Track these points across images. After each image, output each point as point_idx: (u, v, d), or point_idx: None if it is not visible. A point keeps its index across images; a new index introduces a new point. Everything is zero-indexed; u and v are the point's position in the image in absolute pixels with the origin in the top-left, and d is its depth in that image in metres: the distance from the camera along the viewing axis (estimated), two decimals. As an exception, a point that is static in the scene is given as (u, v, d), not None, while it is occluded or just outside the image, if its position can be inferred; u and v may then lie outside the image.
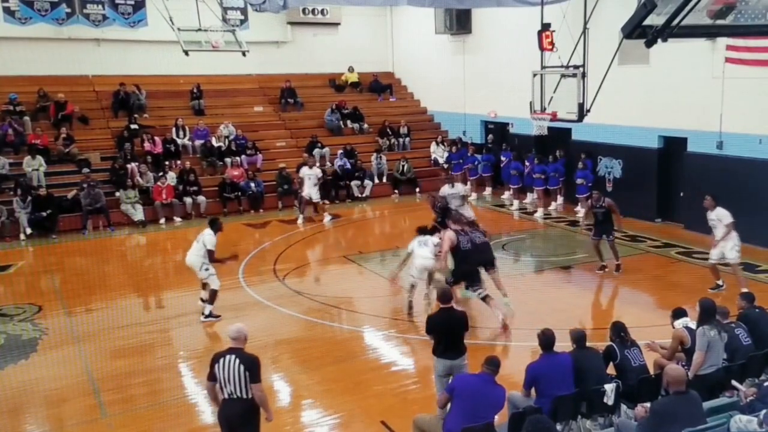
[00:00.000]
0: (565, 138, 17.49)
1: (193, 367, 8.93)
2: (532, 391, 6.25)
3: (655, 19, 6.31)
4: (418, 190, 20.05)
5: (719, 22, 6.74)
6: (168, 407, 7.79)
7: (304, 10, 22.38)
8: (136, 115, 19.53)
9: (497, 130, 21.01)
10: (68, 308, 11.16)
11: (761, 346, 6.94)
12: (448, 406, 6.02)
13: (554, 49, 12.19)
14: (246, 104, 22.02)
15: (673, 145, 15.35)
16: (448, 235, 10.02)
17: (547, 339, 6.32)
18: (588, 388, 6.20)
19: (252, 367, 5.71)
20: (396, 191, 20.13)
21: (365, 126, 22.30)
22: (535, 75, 12.63)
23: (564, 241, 15.09)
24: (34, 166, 16.87)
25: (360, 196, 19.59)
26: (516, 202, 18.38)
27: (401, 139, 21.98)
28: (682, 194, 15.09)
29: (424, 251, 10.60)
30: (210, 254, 10.06)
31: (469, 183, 19.62)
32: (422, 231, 10.93)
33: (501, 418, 5.97)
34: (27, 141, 17.68)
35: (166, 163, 18.38)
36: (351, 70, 24.11)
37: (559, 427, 5.90)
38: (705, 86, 13.82)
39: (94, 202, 16.32)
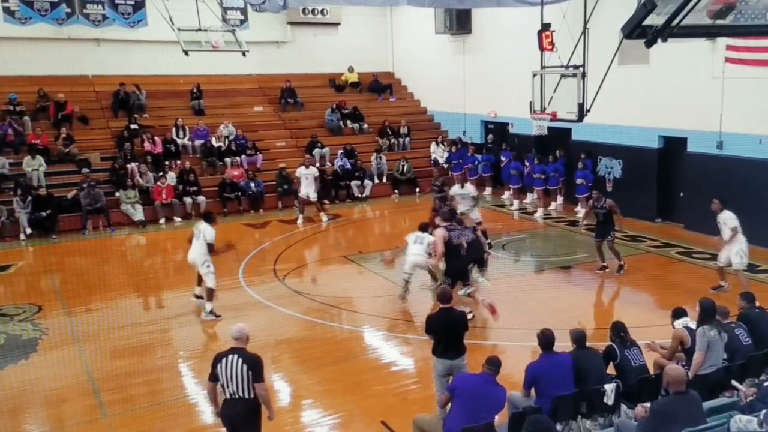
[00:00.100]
0: (565, 138, 17.49)
1: (193, 367, 8.93)
2: (532, 391, 6.25)
3: (655, 19, 6.31)
4: (418, 190, 20.06)
5: (719, 22, 6.74)
6: (168, 407, 7.79)
7: (304, 10, 22.39)
8: (136, 115, 19.53)
9: (497, 130, 21.02)
10: (68, 308, 11.16)
11: (761, 346, 6.94)
12: (449, 406, 6.03)
13: (554, 49, 12.19)
14: (246, 104, 22.02)
15: (673, 145, 15.35)
16: (439, 233, 10.10)
17: (546, 339, 6.32)
18: (588, 388, 6.20)
19: (255, 366, 5.73)
20: (396, 191, 20.14)
21: (365, 126, 22.30)
22: (535, 75, 12.63)
23: (564, 241, 15.09)
24: (34, 166, 16.87)
25: (360, 196, 19.59)
26: (516, 202, 18.38)
27: (401, 139, 21.99)
28: (682, 194, 15.10)
29: (416, 248, 10.84)
30: (210, 247, 10.20)
31: (468, 183, 19.60)
32: (423, 228, 11.07)
33: (501, 418, 5.97)
34: (27, 141, 17.68)
35: (166, 163, 18.38)
36: (351, 70, 24.11)
37: (559, 427, 5.90)
38: (705, 86, 13.83)
39: (94, 202, 16.31)
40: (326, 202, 17.94)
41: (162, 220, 17.15)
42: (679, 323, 7.04)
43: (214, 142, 19.58)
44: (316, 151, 20.12)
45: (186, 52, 13.57)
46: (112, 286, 12.48)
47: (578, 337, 6.51)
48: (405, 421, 6.73)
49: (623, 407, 6.32)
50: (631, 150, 16.13)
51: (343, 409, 7.62)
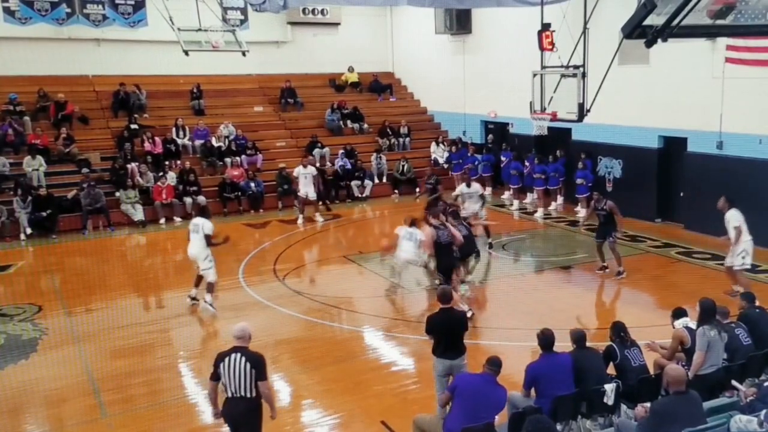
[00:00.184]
0: (565, 138, 17.49)
1: (193, 367, 8.94)
2: (532, 391, 6.25)
3: (655, 19, 6.31)
4: (418, 190, 20.05)
5: (719, 22, 6.74)
6: (168, 407, 7.80)
7: (304, 10, 22.39)
8: (136, 115, 19.54)
9: (497, 130, 21.01)
10: (68, 308, 11.16)
11: (761, 346, 6.94)
12: (449, 406, 6.02)
13: (554, 49, 12.18)
14: (246, 104, 22.02)
15: (673, 145, 15.35)
16: (428, 232, 10.44)
17: (546, 339, 6.31)
18: (588, 388, 6.20)
19: (258, 365, 5.75)
20: (396, 191, 20.14)
21: (365, 126, 22.30)
22: (535, 75, 12.63)
23: (564, 241, 15.09)
24: (34, 166, 16.87)
25: (360, 196, 19.60)
26: (516, 202, 18.37)
27: (401, 139, 21.99)
28: (682, 194, 15.10)
29: (408, 245, 11.11)
30: (208, 239, 10.42)
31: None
32: (412, 223, 11.36)
33: (501, 419, 5.97)
34: (27, 141, 17.69)
35: (166, 163, 18.38)
36: (351, 70, 24.11)
37: (559, 427, 5.90)
38: (705, 86, 13.82)
39: (94, 202, 16.32)
40: (328, 202, 17.99)
41: (162, 220, 17.15)
42: (679, 323, 7.03)
43: (214, 142, 19.58)
44: (317, 151, 20.12)
45: (186, 52, 13.58)
46: (112, 286, 12.49)
47: (578, 337, 6.51)
48: (405, 421, 6.73)
49: (623, 407, 6.32)
50: (631, 150, 16.13)
51: (343, 409, 7.62)
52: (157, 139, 18.82)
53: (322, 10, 22.86)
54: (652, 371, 6.71)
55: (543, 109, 12.52)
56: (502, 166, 19.42)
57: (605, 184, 16.59)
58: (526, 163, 18.30)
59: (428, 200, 13.73)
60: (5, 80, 18.73)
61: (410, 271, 11.96)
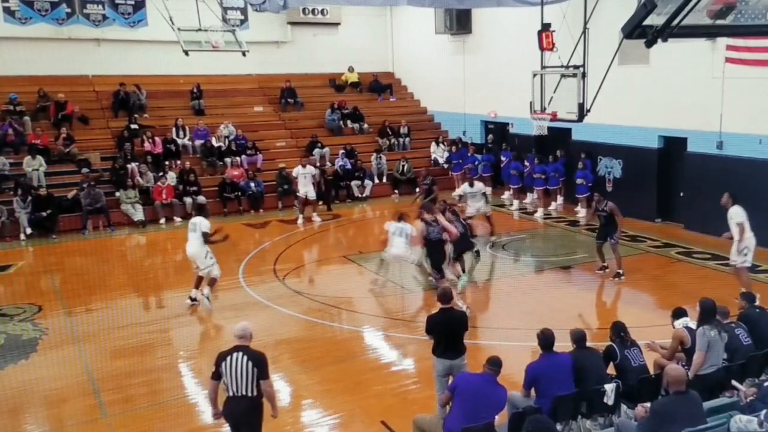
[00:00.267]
0: (565, 138, 17.49)
1: (193, 367, 8.94)
2: (532, 391, 6.25)
3: (655, 19, 6.31)
4: (418, 190, 20.02)
5: (719, 22, 6.73)
6: (168, 407, 7.79)
7: (304, 10, 22.40)
8: (136, 115, 19.54)
9: (497, 130, 21.02)
10: (68, 308, 11.16)
11: (761, 346, 6.93)
12: (449, 406, 6.02)
13: (554, 49, 12.18)
14: (246, 104, 22.02)
15: (673, 145, 15.35)
16: (418, 227, 10.66)
17: (546, 339, 6.31)
18: (588, 388, 6.20)
19: (260, 363, 5.78)
20: (396, 191, 20.13)
21: (365, 126, 22.30)
22: (535, 75, 12.64)
23: (564, 241, 15.09)
24: (34, 166, 16.87)
25: (360, 196, 19.60)
26: (516, 202, 18.37)
27: (401, 139, 21.99)
28: (682, 194, 15.10)
29: (398, 241, 11.26)
30: (205, 236, 10.56)
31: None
32: (400, 217, 11.54)
33: (501, 419, 5.97)
34: (27, 141, 17.69)
35: (166, 163, 18.38)
36: (351, 70, 24.11)
37: (559, 427, 5.90)
38: (705, 86, 13.82)
39: (94, 202, 16.32)
40: (332, 204, 18.05)
41: (162, 220, 17.15)
42: (679, 323, 7.03)
43: (214, 142, 19.58)
44: (317, 151, 20.13)
45: (186, 52, 13.58)
46: (112, 286, 12.49)
47: (578, 337, 6.51)
48: (405, 421, 6.72)
49: (623, 407, 6.32)
50: (631, 150, 16.13)
51: (343, 409, 7.62)
52: (157, 139, 18.82)
53: (322, 10, 22.87)
54: (652, 371, 6.71)
55: (543, 109, 12.53)
56: (502, 166, 19.42)
57: (605, 184, 16.59)
58: (526, 163, 18.30)
59: (423, 202, 13.79)
60: (5, 80, 18.74)
61: (404, 269, 12.03)
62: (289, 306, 10.93)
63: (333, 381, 8.38)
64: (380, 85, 24.26)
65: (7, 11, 17.72)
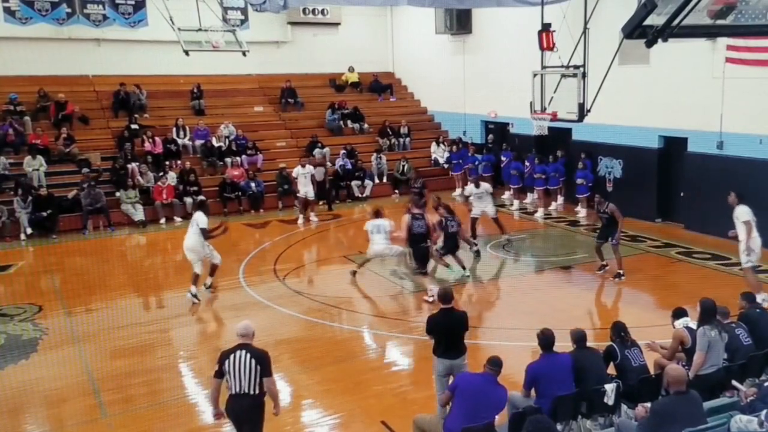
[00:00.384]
0: (566, 138, 17.48)
1: (193, 367, 8.95)
2: (532, 391, 6.25)
3: (655, 19, 6.30)
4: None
5: (719, 22, 6.73)
6: (168, 407, 7.79)
7: (304, 10, 22.40)
8: (136, 115, 19.54)
9: (497, 130, 21.01)
10: (68, 308, 11.16)
11: (761, 346, 6.93)
12: (449, 406, 6.02)
13: (554, 49, 12.18)
14: (246, 104, 22.02)
15: (674, 145, 15.34)
16: (403, 219, 10.94)
17: (546, 339, 6.31)
18: (588, 388, 6.20)
19: (263, 361, 5.82)
20: (396, 191, 20.13)
21: (365, 126, 22.30)
22: (535, 75, 12.64)
23: (564, 241, 15.09)
24: (35, 166, 16.88)
25: (360, 196, 19.60)
26: (516, 202, 18.37)
27: (401, 139, 21.99)
28: (682, 194, 15.09)
29: (378, 237, 11.55)
30: (203, 232, 10.84)
31: (469, 183, 19.60)
32: (376, 214, 11.85)
33: (501, 419, 5.97)
34: (27, 141, 17.70)
35: (167, 163, 18.38)
36: (351, 70, 24.11)
37: (559, 427, 5.90)
38: (705, 86, 13.82)
39: (94, 202, 16.32)
40: (332, 204, 18.04)
41: (162, 220, 17.15)
42: (680, 323, 7.03)
43: (215, 142, 19.58)
44: (317, 151, 20.12)
45: (186, 52, 13.59)
46: (113, 286, 12.49)
47: (578, 337, 6.50)
48: (405, 421, 6.72)
49: (623, 407, 6.32)
50: (631, 150, 16.12)
51: (343, 409, 7.62)
52: (157, 139, 18.82)
53: (322, 10, 22.87)
54: (652, 371, 6.71)
55: (543, 109, 12.53)
56: (502, 166, 19.40)
57: (605, 184, 16.59)
58: (527, 163, 18.29)
59: (412, 196, 13.84)
60: (5, 80, 18.74)
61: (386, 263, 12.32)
62: (290, 306, 10.93)
63: (333, 381, 8.38)
64: (380, 85, 24.25)
65: (8, 11, 17.74)
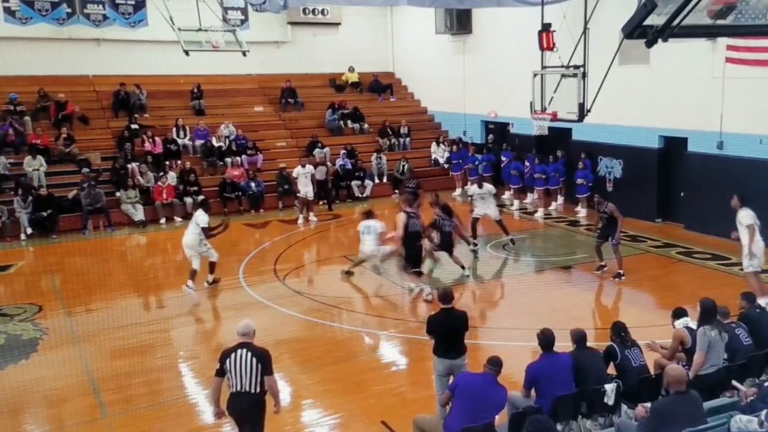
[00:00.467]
0: (566, 138, 17.48)
1: (193, 367, 8.94)
2: (532, 391, 6.25)
3: (655, 19, 6.30)
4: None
5: (720, 22, 6.73)
6: (168, 407, 7.79)
7: (304, 10, 22.41)
8: (136, 115, 19.55)
9: (497, 130, 21.01)
10: (68, 308, 11.16)
11: (761, 346, 6.93)
12: (449, 405, 6.02)
13: (554, 49, 12.18)
14: (246, 104, 22.02)
15: (674, 145, 15.34)
16: (399, 216, 10.91)
17: (546, 339, 6.31)
18: (588, 388, 6.20)
19: (264, 360, 5.84)
20: (396, 191, 20.12)
21: (365, 126, 22.30)
22: (535, 75, 12.64)
23: (564, 241, 15.09)
24: (35, 166, 16.88)
25: (360, 196, 19.60)
26: (516, 202, 18.36)
27: (401, 139, 21.99)
28: (682, 194, 15.09)
29: (368, 238, 11.63)
30: (204, 231, 11.00)
31: (469, 183, 19.61)
32: (367, 215, 11.95)
33: (501, 418, 5.97)
34: (27, 141, 17.70)
35: (167, 163, 18.38)
36: (351, 70, 24.11)
37: (559, 427, 5.90)
38: (705, 86, 13.82)
39: (94, 202, 16.32)
40: (332, 204, 18.02)
41: (162, 220, 17.15)
42: (680, 323, 7.03)
43: (215, 142, 19.58)
44: (317, 151, 20.13)
45: (186, 52, 13.60)
46: (113, 286, 12.49)
47: (578, 337, 6.50)
48: (405, 421, 6.72)
49: (624, 407, 6.32)
50: (631, 150, 16.12)
51: (343, 409, 7.62)
52: (157, 139, 18.82)
53: (323, 10, 22.88)
54: (652, 371, 6.71)
55: (543, 109, 12.53)
56: (502, 166, 19.40)
57: (605, 184, 16.59)
58: (527, 163, 18.29)
59: (405, 195, 13.89)
60: (5, 80, 18.74)
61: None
62: (290, 306, 10.93)
63: (333, 381, 8.38)
64: (380, 85, 24.25)
65: (8, 11, 17.74)
